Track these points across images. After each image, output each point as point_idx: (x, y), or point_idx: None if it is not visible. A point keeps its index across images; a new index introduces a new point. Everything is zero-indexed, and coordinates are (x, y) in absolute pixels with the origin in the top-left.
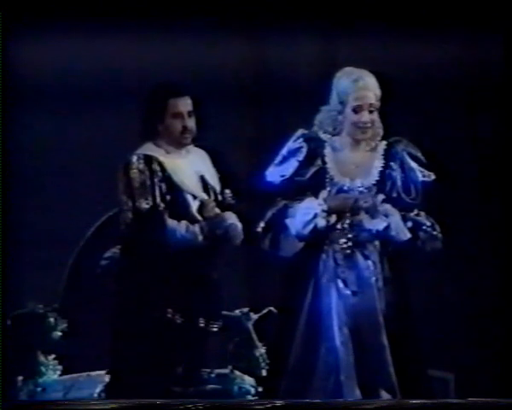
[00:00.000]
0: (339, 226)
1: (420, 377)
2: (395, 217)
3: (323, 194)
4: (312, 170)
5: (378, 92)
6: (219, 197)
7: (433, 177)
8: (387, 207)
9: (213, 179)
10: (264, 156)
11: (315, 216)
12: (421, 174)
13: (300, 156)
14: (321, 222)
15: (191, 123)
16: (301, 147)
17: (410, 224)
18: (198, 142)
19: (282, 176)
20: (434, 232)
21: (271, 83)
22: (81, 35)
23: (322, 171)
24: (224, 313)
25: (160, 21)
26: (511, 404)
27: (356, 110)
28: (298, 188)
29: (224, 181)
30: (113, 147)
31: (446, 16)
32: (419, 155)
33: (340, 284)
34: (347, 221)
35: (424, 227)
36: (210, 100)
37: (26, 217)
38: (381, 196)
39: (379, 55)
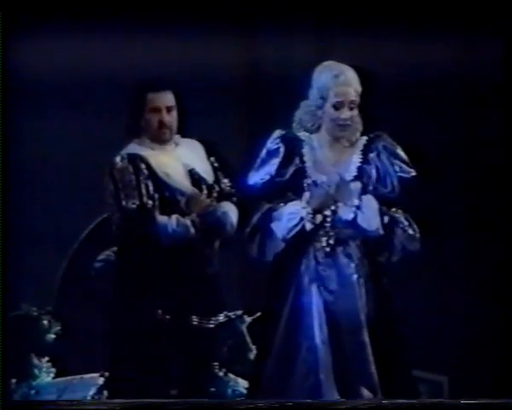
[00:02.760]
0: (320, 225)
1: (403, 378)
2: (372, 207)
3: (306, 196)
4: (291, 170)
5: (359, 88)
6: (216, 187)
7: (413, 173)
8: (368, 197)
9: (205, 171)
10: (254, 155)
11: (301, 220)
12: (400, 169)
13: (278, 157)
14: (308, 225)
15: (169, 118)
16: (279, 147)
17: (386, 219)
18: (190, 135)
19: (263, 179)
20: (411, 232)
21: (262, 80)
22: (81, 35)
23: (301, 170)
24: (218, 315)
25: (154, 21)
26: (505, 404)
27: (336, 106)
28: (278, 189)
29: (221, 171)
30: (108, 147)
31: (446, 16)
32: (399, 150)
33: (321, 283)
34: (328, 219)
35: (401, 226)
36: (200, 94)
37: (20, 219)
38: (358, 184)
39: (376, 55)
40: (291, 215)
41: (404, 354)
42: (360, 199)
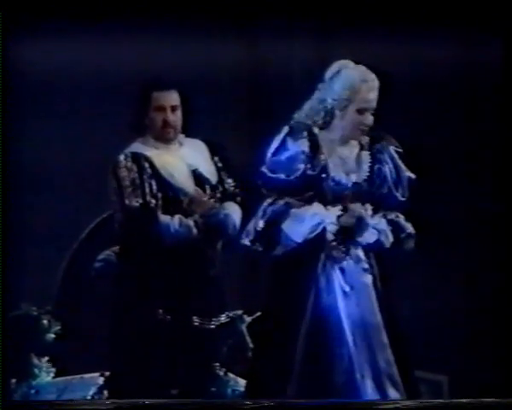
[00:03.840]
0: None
1: (407, 379)
2: (383, 225)
3: (336, 211)
4: (321, 164)
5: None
6: (220, 188)
7: (413, 176)
8: (376, 217)
9: (209, 172)
10: (262, 150)
11: (324, 230)
12: (407, 171)
13: (306, 149)
14: (330, 237)
15: (174, 117)
16: (304, 141)
17: (393, 226)
18: (195, 135)
19: (287, 172)
20: (409, 232)
21: (265, 79)
22: (84, 34)
23: (323, 165)
24: (219, 316)
25: (157, 21)
26: (505, 404)
27: (361, 111)
28: (301, 184)
29: (225, 171)
30: (107, 148)
31: (446, 17)
32: (401, 151)
33: (341, 282)
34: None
35: (403, 229)
36: (203, 94)
37: (20, 219)
38: (369, 207)
39: (376, 54)
40: (315, 227)
41: (409, 354)
42: (374, 221)
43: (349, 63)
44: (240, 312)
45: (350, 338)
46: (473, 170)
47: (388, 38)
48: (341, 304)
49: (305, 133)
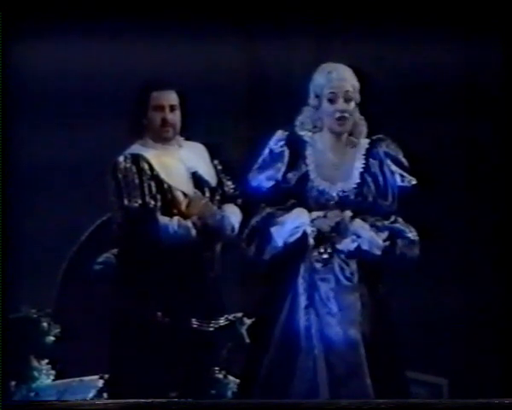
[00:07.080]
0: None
1: (399, 387)
2: (366, 232)
3: (316, 214)
4: (296, 176)
5: (355, 83)
6: (219, 190)
7: (413, 182)
8: (357, 223)
9: (209, 174)
10: (255, 156)
11: (304, 234)
12: (401, 179)
13: (284, 162)
14: (311, 241)
15: (172, 117)
16: (283, 151)
17: (385, 234)
18: (194, 138)
19: (268, 183)
20: (412, 238)
21: (265, 82)
22: (84, 35)
23: (305, 175)
24: (219, 318)
25: (156, 21)
26: (505, 404)
27: (331, 99)
28: (281, 194)
29: (224, 174)
30: (107, 151)
31: (446, 18)
32: (400, 157)
33: (318, 291)
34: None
35: (402, 234)
36: (203, 96)
37: (19, 221)
38: (348, 213)
39: (375, 56)
40: (296, 230)
41: (401, 361)
42: (354, 227)
43: (321, 66)
44: (240, 314)
45: (318, 347)
46: (472, 173)
47: (388, 40)
48: (315, 311)
49: (284, 142)
